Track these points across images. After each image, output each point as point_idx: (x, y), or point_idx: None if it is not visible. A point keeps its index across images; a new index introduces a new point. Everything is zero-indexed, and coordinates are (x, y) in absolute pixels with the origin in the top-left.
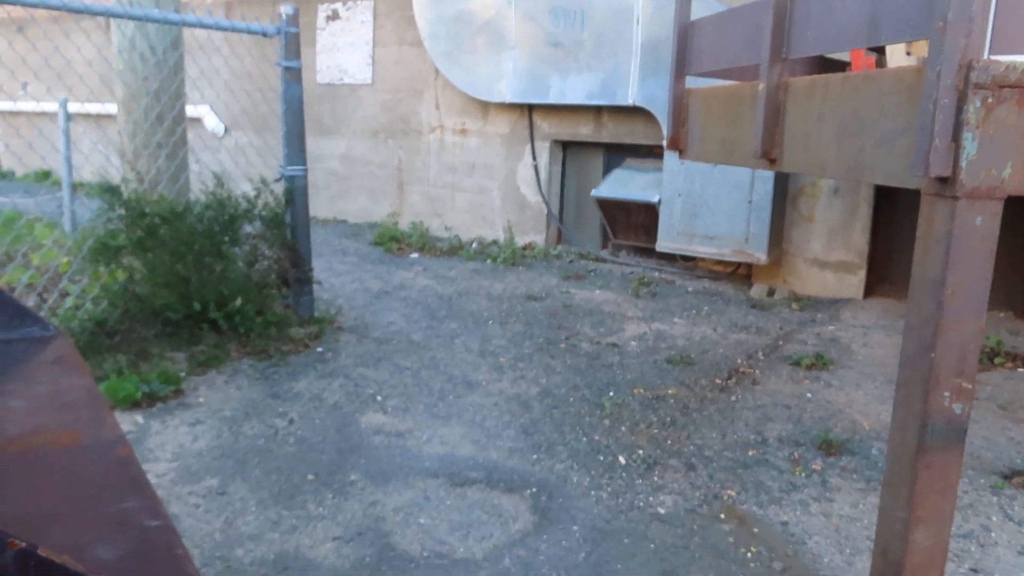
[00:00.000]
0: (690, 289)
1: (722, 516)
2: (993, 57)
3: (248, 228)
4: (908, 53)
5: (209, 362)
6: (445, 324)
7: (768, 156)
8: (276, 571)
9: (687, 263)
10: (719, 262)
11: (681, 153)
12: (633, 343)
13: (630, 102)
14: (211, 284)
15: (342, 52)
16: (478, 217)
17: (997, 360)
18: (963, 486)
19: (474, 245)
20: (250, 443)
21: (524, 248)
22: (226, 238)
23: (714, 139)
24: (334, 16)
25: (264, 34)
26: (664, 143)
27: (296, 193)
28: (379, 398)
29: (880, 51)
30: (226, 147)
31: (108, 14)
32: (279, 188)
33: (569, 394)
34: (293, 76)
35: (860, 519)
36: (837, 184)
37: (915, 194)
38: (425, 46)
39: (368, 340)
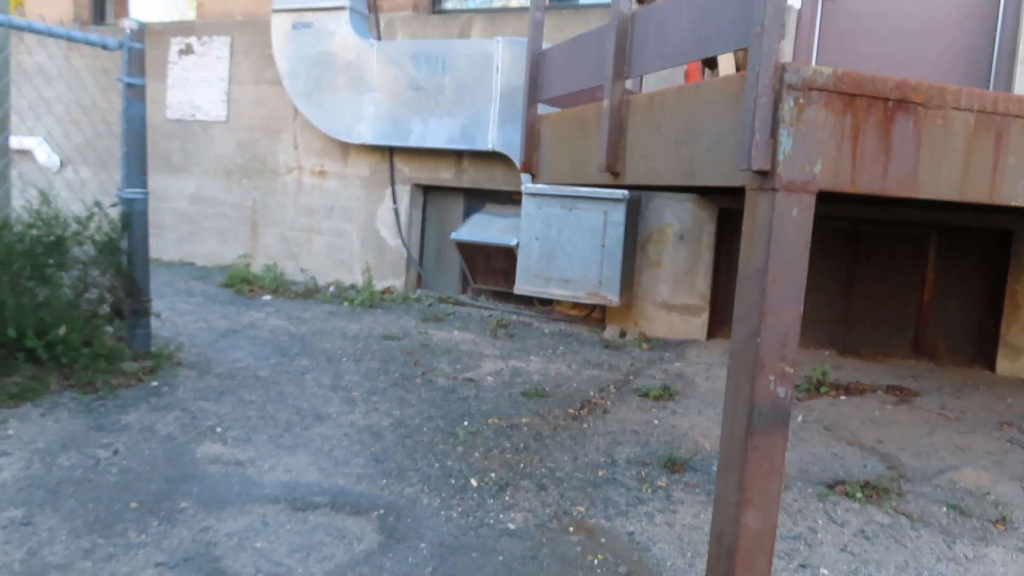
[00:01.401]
0: (547, 331)
1: (571, 529)
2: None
3: (80, 253)
4: (738, 69)
5: (23, 394)
6: (296, 361)
7: (612, 170)
8: None
9: (544, 307)
10: (575, 306)
11: (534, 176)
12: (489, 378)
13: (490, 147)
14: (30, 310)
15: (195, 88)
16: (336, 261)
17: (823, 389)
18: (793, 495)
19: (331, 289)
20: (65, 473)
21: (383, 292)
22: (51, 261)
23: (564, 160)
24: (188, 50)
25: (104, 47)
26: (521, 188)
27: (135, 217)
28: (219, 430)
29: (713, 67)
30: (63, 182)
31: None
32: (116, 213)
33: (423, 424)
34: (136, 94)
35: (701, 527)
36: (682, 231)
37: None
38: (284, 85)
39: (210, 375)
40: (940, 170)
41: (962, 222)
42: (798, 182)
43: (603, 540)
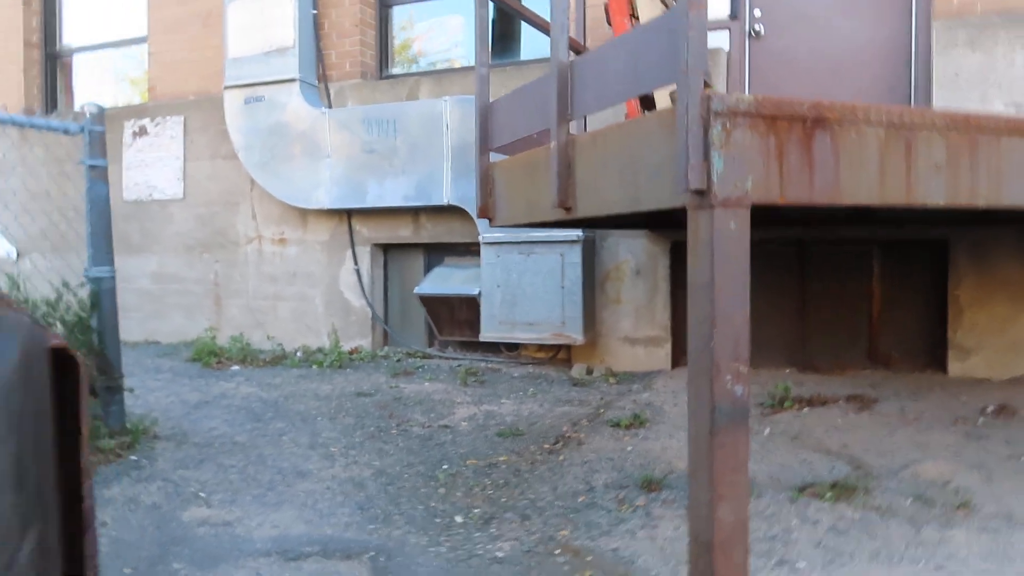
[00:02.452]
0: (516, 375)
1: (557, 552)
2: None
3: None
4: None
5: None
6: (271, 424)
7: (564, 205)
8: None
9: (511, 352)
10: (540, 348)
11: (491, 220)
12: (464, 423)
13: (445, 201)
14: None
15: (151, 168)
16: (302, 326)
17: (786, 403)
18: (765, 502)
19: (299, 354)
20: None
21: (351, 352)
22: None
23: (519, 202)
24: (141, 132)
25: (66, 131)
26: (479, 239)
27: (103, 296)
28: (203, 494)
29: (650, 106)
30: (22, 271)
31: None
32: (84, 293)
33: (403, 471)
34: (98, 175)
35: (681, 539)
36: (638, 266)
37: None
38: (240, 158)
39: (188, 445)
40: (859, 178)
41: (901, 236)
42: (733, 198)
43: (589, 559)
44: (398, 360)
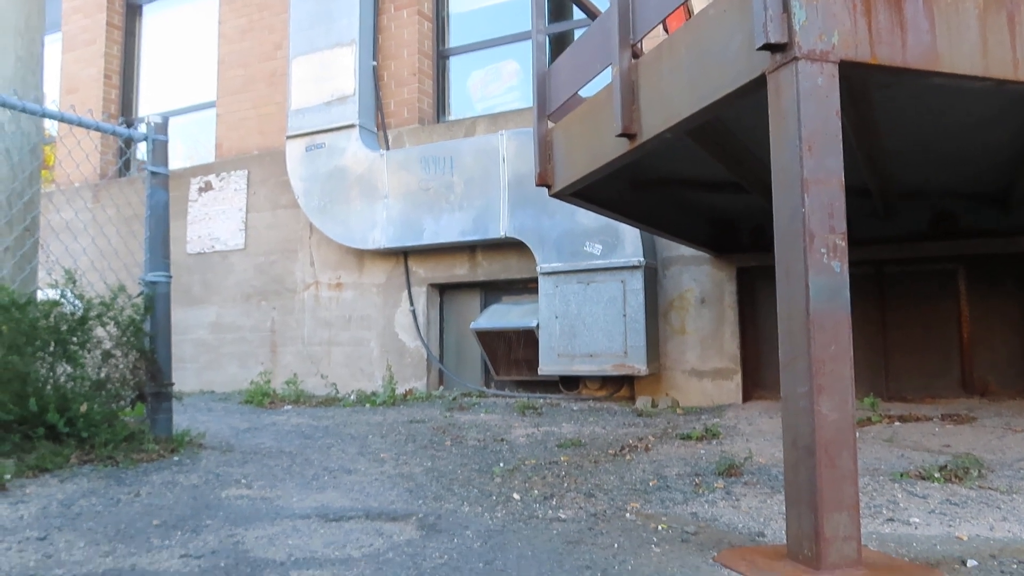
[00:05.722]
0: (575, 408)
1: (627, 516)
2: None
3: (104, 335)
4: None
5: (41, 465)
6: (320, 441)
7: (628, 131)
8: None
9: (570, 391)
10: (602, 386)
11: (550, 188)
12: (522, 439)
13: (502, 234)
14: (53, 386)
15: (214, 221)
16: (356, 370)
17: (874, 419)
18: (867, 483)
19: (352, 396)
20: (84, 510)
21: (405, 394)
22: (74, 339)
23: (579, 154)
24: (207, 187)
25: (131, 138)
26: (537, 272)
27: (158, 300)
28: (244, 481)
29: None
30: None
31: None
32: (140, 301)
33: (457, 469)
34: (159, 182)
35: (768, 507)
36: (703, 295)
37: (773, 297)
38: (300, 203)
39: (234, 453)
40: (959, 44)
41: (988, 248)
42: (818, 51)
43: (664, 517)
44: (453, 399)
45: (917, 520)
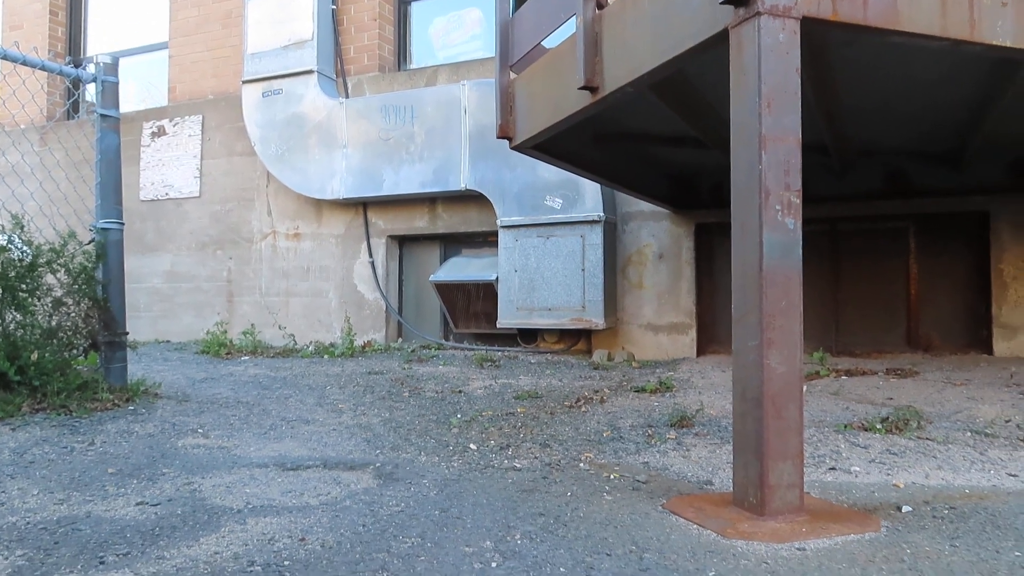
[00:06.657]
0: (533, 361)
1: (581, 465)
2: None
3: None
4: None
5: None
6: (278, 391)
7: (591, 83)
8: (60, 527)
9: (528, 344)
10: (559, 339)
11: (511, 141)
12: (479, 391)
13: (463, 187)
14: (2, 333)
15: (168, 167)
16: (314, 321)
17: (822, 372)
18: (812, 434)
19: (311, 347)
20: (36, 458)
21: (364, 346)
22: (23, 286)
23: (541, 106)
24: (160, 132)
25: (79, 79)
26: (497, 225)
27: (110, 247)
28: (200, 430)
29: None
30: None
31: None
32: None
33: (414, 420)
34: (110, 125)
35: (718, 457)
36: (661, 250)
37: (729, 253)
38: (256, 151)
39: (190, 403)
40: (918, 3)
41: (939, 208)
42: (780, 6)
43: (616, 467)
44: (412, 351)
45: (858, 469)
